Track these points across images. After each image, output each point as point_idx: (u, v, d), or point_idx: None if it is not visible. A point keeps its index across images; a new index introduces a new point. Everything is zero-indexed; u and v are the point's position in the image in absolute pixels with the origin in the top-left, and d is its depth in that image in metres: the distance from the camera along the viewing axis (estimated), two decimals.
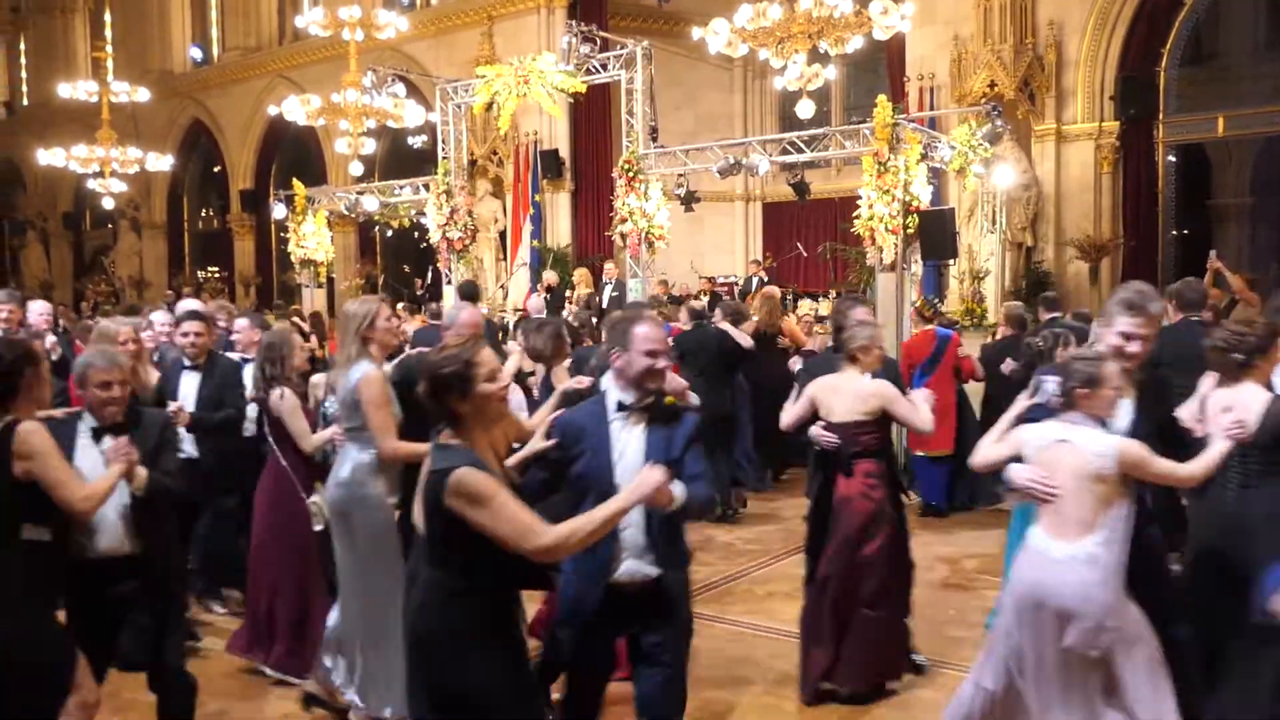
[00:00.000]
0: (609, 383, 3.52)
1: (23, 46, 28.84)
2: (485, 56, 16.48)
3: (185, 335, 5.90)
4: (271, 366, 5.08)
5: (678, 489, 3.12)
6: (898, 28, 9.63)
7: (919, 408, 4.88)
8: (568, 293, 14.09)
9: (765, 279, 14.29)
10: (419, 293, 15.72)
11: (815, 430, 4.87)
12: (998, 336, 9.58)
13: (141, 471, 3.67)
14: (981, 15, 13.24)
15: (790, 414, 5.05)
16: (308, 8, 20.22)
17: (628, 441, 3.41)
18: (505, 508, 2.74)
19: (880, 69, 16.19)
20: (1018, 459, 3.72)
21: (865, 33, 9.57)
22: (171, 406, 5.23)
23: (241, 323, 6.73)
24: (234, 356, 6.37)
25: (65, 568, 3.65)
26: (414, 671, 2.94)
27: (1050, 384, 3.78)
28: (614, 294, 13.13)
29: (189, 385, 5.77)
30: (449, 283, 14.66)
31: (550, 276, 14.52)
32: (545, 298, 13.21)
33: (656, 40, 13.72)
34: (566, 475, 3.44)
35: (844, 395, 4.84)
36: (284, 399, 5.01)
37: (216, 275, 23.66)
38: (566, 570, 3.31)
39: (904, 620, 5.01)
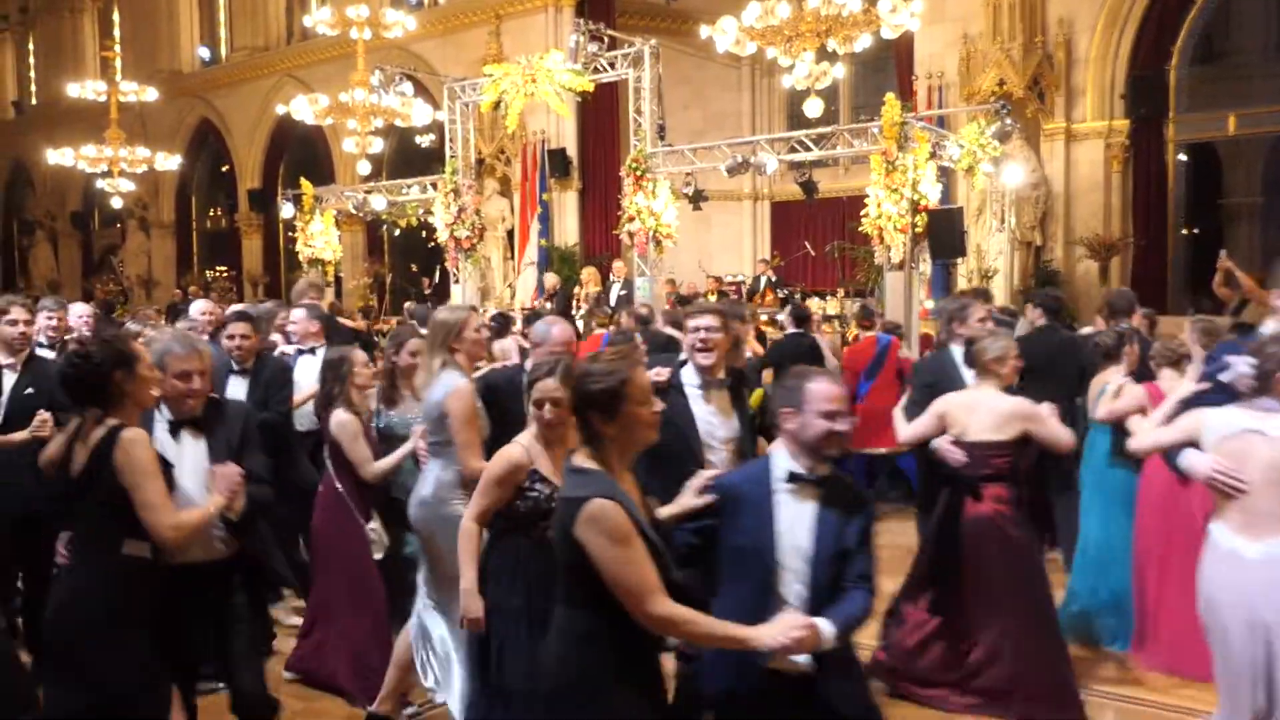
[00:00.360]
0: (778, 447, 3.07)
1: (31, 46, 28.91)
2: (493, 55, 16.47)
3: (232, 338, 5.53)
4: (332, 386, 4.74)
5: (827, 629, 2.72)
6: (906, 26, 9.61)
7: (1058, 427, 4.55)
8: (575, 290, 14.07)
9: (773, 278, 14.26)
10: (426, 291, 15.71)
11: (943, 445, 4.53)
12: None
13: (240, 499, 3.36)
14: (991, 13, 13.18)
15: (912, 429, 4.75)
16: (315, 7, 20.24)
17: (795, 517, 2.96)
18: (636, 555, 2.49)
19: (889, 67, 16.12)
20: (1187, 445, 3.52)
21: (874, 31, 9.54)
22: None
23: (298, 313, 6.34)
24: (289, 349, 6.05)
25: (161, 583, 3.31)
26: None
27: (1241, 365, 3.48)
28: (622, 293, 13.12)
29: (237, 390, 5.39)
30: (456, 282, 14.66)
31: (552, 280, 14.47)
32: (546, 305, 13.15)
33: (664, 39, 13.70)
34: (719, 541, 3.04)
35: (981, 413, 4.47)
36: (344, 425, 4.67)
37: (224, 274, 23.68)
38: (709, 656, 3.01)
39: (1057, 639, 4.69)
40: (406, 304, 12.64)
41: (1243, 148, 14.83)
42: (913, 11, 9.44)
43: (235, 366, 5.48)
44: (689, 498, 3.07)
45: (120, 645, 3.14)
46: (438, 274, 15.93)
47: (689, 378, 4.10)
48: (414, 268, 17.25)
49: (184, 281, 21.88)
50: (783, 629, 2.62)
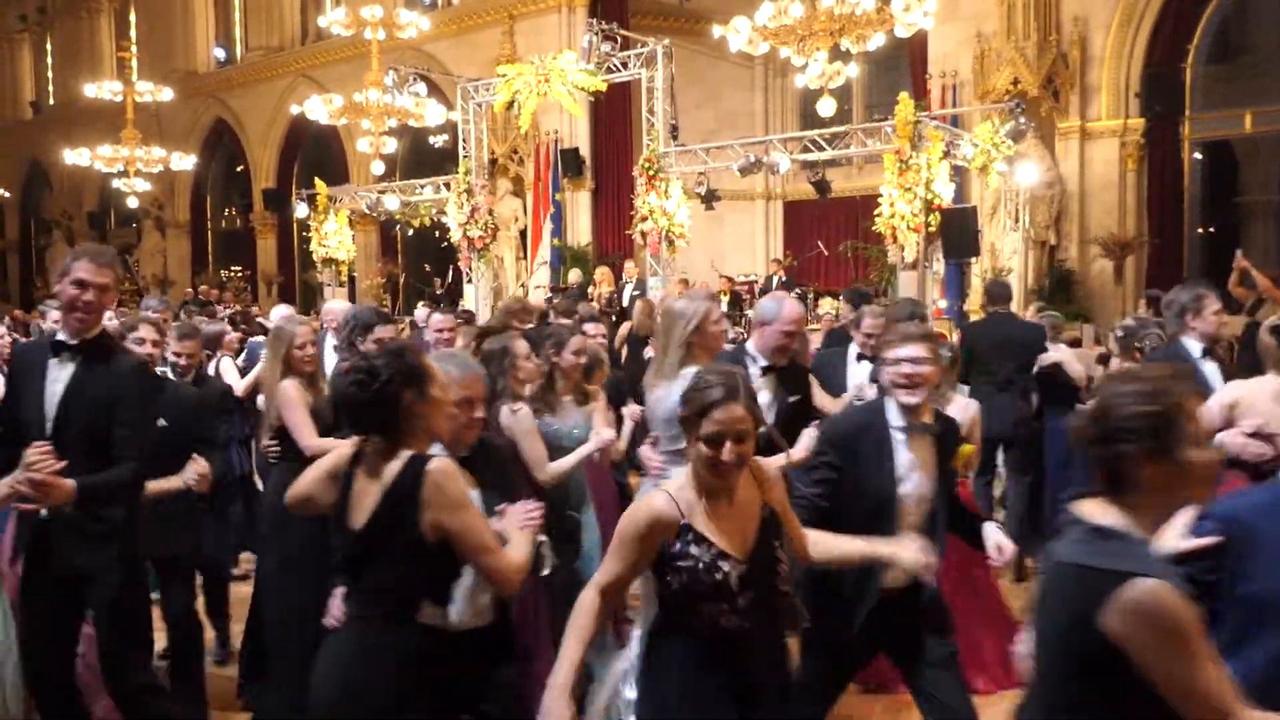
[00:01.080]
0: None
1: (49, 47, 29.13)
2: (506, 55, 16.51)
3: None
4: (495, 379, 4.04)
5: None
6: (920, 25, 9.60)
7: None
8: (589, 289, 14.10)
9: (785, 278, 14.25)
10: (438, 292, 15.76)
11: (1238, 438, 3.95)
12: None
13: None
14: (1005, 11, 13.14)
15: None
16: (330, 7, 20.33)
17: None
18: (1205, 655, 1.77)
19: (902, 66, 16.09)
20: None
21: (887, 30, 9.54)
22: None
23: (437, 318, 5.89)
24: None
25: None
26: None
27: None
28: (634, 293, 13.13)
29: None
30: (469, 281, 14.70)
31: (575, 275, 14.55)
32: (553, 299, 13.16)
33: (677, 38, 13.71)
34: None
35: None
36: (521, 418, 4.08)
37: (239, 274, 23.80)
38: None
39: None
40: (460, 304, 12.54)
41: (1259, 146, 14.74)
42: (926, 10, 9.43)
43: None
44: (800, 450, 3.26)
45: None
46: (451, 274, 15.98)
47: (893, 417, 3.34)
48: (427, 267, 17.32)
49: (198, 281, 22.00)
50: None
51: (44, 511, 3.30)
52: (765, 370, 3.95)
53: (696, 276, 14.51)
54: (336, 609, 2.80)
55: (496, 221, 15.04)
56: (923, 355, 3.29)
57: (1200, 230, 13.88)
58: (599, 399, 4.50)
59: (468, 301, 14.37)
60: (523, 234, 16.67)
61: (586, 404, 4.43)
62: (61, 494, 3.05)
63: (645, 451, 3.99)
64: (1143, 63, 13.08)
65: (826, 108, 9.96)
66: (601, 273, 14.44)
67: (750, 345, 4.08)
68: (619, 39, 13.10)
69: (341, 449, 2.70)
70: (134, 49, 21.26)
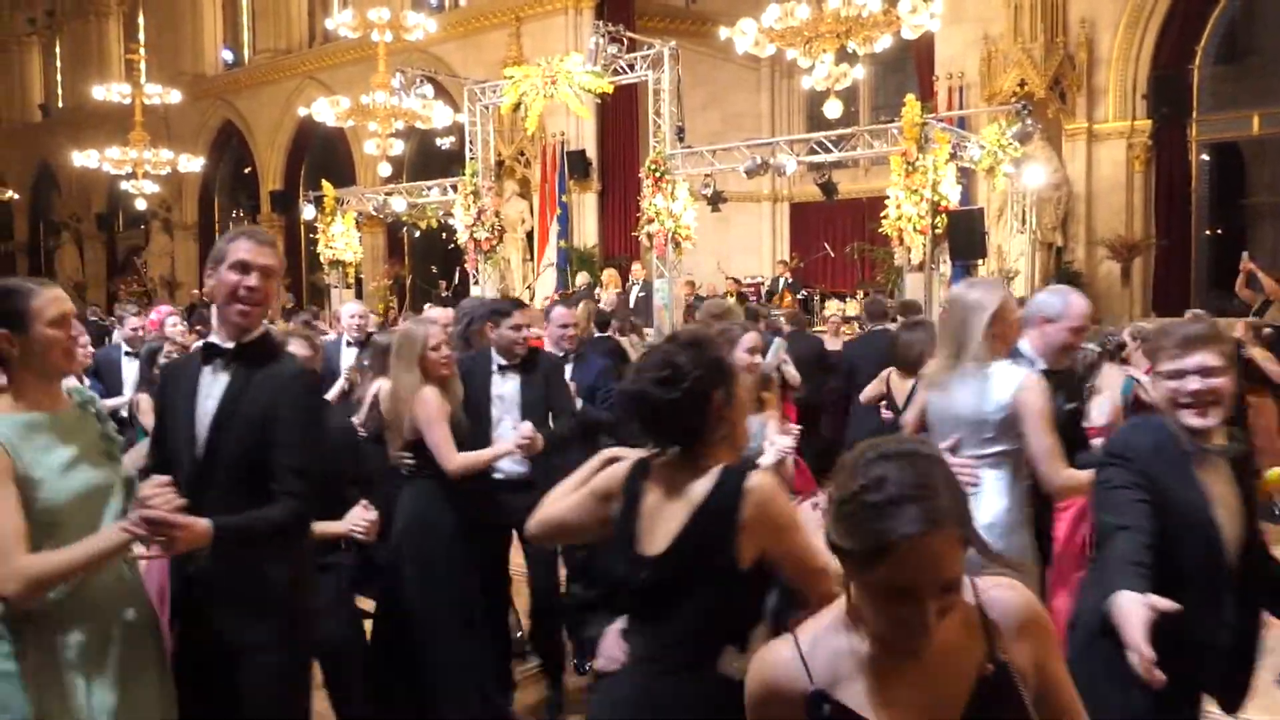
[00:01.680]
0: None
1: (58, 50, 29.24)
2: (513, 57, 16.53)
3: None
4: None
5: None
6: (926, 26, 9.59)
7: None
8: (596, 292, 14.11)
9: (789, 279, 14.25)
10: (444, 294, 15.78)
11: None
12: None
13: None
14: (1012, 13, 13.14)
15: None
16: (337, 10, 20.37)
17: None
18: None
19: (909, 68, 16.08)
20: None
21: (894, 32, 9.53)
22: (524, 430, 3.97)
23: (559, 311, 5.51)
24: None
25: None
26: None
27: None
28: (641, 295, 13.13)
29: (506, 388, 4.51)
30: (476, 283, 14.72)
31: (583, 278, 14.58)
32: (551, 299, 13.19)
33: (683, 40, 13.72)
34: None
35: None
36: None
37: None
38: None
39: None
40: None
41: (1267, 147, 14.68)
42: (933, 12, 9.42)
43: (504, 362, 4.53)
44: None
45: None
46: (457, 275, 16.00)
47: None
48: (434, 269, 17.35)
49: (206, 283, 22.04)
50: None
51: (194, 562, 2.59)
52: (1046, 374, 3.36)
53: (703, 278, 14.54)
54: (615, 648, 2.29)
55: (503, 223, 15.06)
56: (1216, 364, 2.60)
57: (1208, 232, 13.84)
58: (772, 405, 3.92)
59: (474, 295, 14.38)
60: (529, 236, 16.70)
61: (760, 410, 3.73)
62: (191, 537, 2.31)
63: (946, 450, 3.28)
64: (1150, 64, 13.06)
65: (833, 109, 9.97)
66: (608, 275, 14.46)
67: (1025, 345, 3.51)
68: (625, 41, 13.11)
69: (616, 466, 2.27)
70: (142, 51, 21.29)
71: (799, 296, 13.50)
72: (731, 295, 13.53)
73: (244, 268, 2.62)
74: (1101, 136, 13.26)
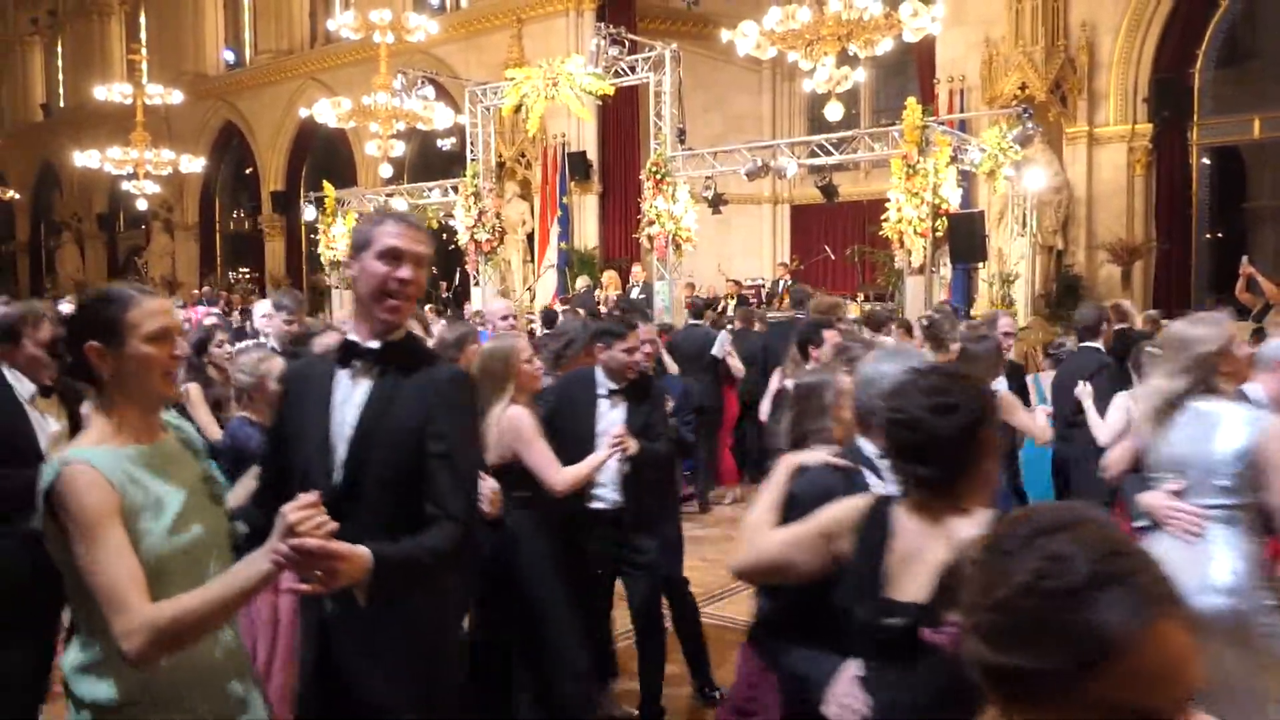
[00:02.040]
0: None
1: (60, 50, 29.28)
2: (514, 59, 16.54)
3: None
4: (804, 422, 2.90)
5: None
6: (927, 29, 9.61)
7: None
8: (596, 294, 14.12)
9: (791, 281, 14.24)
10: (445, 295, 15.79)
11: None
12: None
13: None
14: (1013, 16, 13.14)
15: None
16: (339, 11, 20.40)
17: None
18: None
19: (910, 71, 16.09)
20: None
21: (895, 35, 9.54)
22: (615, 432, 3.74)
23: (645, 327, 5.08)
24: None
25: None
26: None
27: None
28: (640, 296, 13.14)
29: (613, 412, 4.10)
30: (476, 285, 14.73)
31: (583, 282, 14.59)
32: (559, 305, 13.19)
33: (685, 43, 13.73)
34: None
35: None
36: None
37: (247, 276, 23.88)
38: None
39: None
40: (466, 307, 12.42)
41: (1267, 151, 14.70)
42: (934, 15, 9.44)
43: (615, 386, 4.09)
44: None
45: None
46: (458, 277, 16.01)
47: None
48: (434, 270, 17.35)
49: (207, 283, 22.08)
50: None
51: (329, 604, 2.13)
52: None
53: (703, 280, 14.54)
54: (853, 698, 2.05)
55: (504, 225, 15.07)
56: None
57: (1208, 236, 13.84)
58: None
59: (474, 305, 14.39)
60: (530, 237, 16.71)
61: None
62: (353, 569, 1.84)
63: (1157, 500, 3.00)
64: (1151, 68, 13.06)
65: (834, 112, 9.98)
66: (608, 276, 14.46)
67: (1256, 389, 3.25)
68: (627, 43, 13.12)
69: (846, 503, 2.09)
70: (144, 52, 21.32)
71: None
72: (731, 298, 13.53)
73: (395, 256, 2.19)
74: (1102, 140, 13.26)
